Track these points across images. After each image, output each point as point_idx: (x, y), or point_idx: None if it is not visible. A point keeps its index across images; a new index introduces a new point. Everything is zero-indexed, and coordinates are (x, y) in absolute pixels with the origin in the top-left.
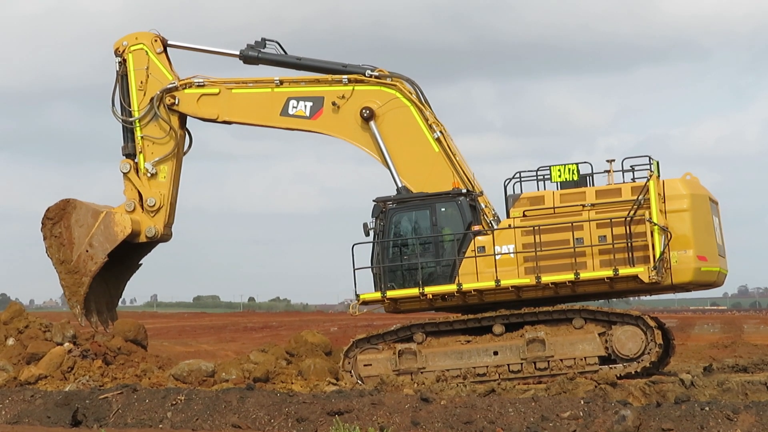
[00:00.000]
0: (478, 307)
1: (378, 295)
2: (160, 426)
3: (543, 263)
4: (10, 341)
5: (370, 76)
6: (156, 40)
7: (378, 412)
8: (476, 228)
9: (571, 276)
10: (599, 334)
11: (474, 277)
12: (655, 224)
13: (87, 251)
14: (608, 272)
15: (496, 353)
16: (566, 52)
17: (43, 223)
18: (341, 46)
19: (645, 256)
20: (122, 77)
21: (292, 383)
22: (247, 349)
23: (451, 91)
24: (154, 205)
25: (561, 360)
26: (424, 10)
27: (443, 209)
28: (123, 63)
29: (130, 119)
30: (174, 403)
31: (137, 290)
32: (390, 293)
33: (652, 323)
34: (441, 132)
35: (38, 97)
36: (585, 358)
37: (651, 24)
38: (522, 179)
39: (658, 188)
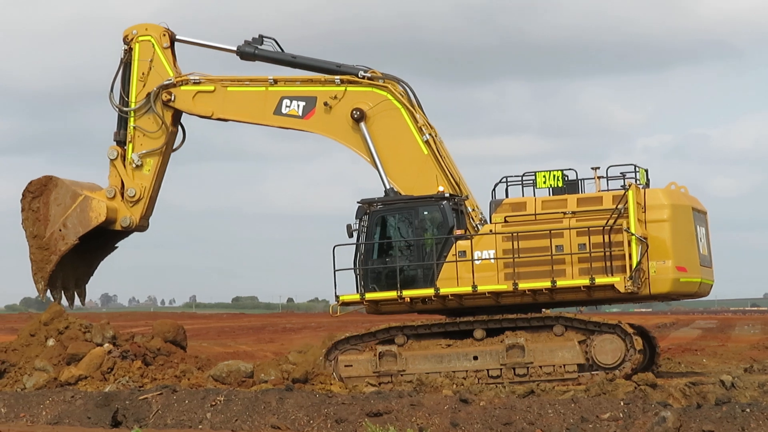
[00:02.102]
0: (461, 310)
1: (357, 296)
2: (200, 427)
3: (523, 269)
4: (51, 342)
5: (363, 77)
6: (164, 35)
7: (417, 413)
8: (459, 232)
9: (547, 283)
10: (579, 342)
11: (455, 281)
12: (633, 234)
13: (60, 230)
14: (585, 281)
15: (475, 358)
16: (598, 52)
17: (23, 195)
18: (372, 48)
19: (623, 265)
20: (125, 65)
21: (331, 384)
22: (285, 350)
23: (485, 92)
24: (134, 195)
25: (540, 367)
26: (455, 12)
27: (426, 212)
28: (129, 51)
29: (126, 109)
30: (213, 403)
31: (176, 291)
32: (369, 295)
33: (630, 330)
34: (431, 135)
35: (75, 99)
36: (564, 365)
37: (683, 24)
38: (509, 183)
39: (639, 198)
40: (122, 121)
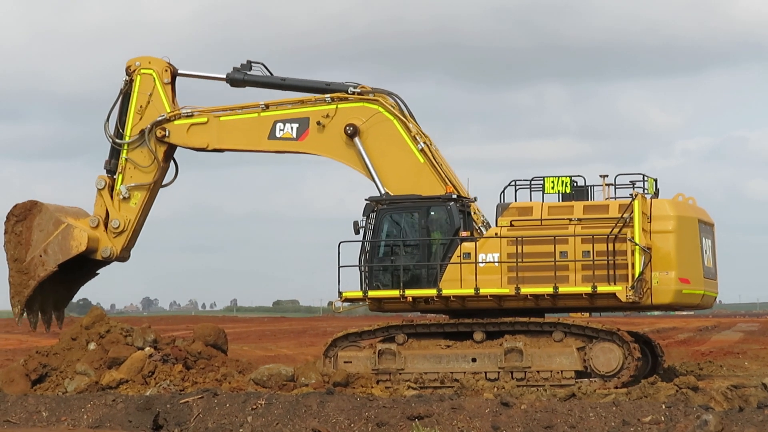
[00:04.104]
0: (463, 312)
1: (360, 293)
2: (241, 430)
3: (526, 274)
4: (92, 346)
5: (353, 93)
6: (166, 70)
7: (458, 417)
8: (464, 234)
9: (549, 289)
10: (578, 349)
11: (458, 282)
12: (636, 244)
13: (41, 256)
14: (587, 288)
15: (474, 360)
16: (635, 54)
17: (7, 218)
18: (407, 51)
19: (626, 274)
20: (124, 95)
21: (372, 387)
22: None
23: (523, 95)
24: (118, 227)
25: (538, 372)
26: (489, 15)
27: (433, 213)
28: (129, 82)
29: (119, 141)
30: (254, 407)
31: (217, 295)
32: (372, 293)
33: (628, 338)
34: (425, 143)
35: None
36: (561, 371)
37: (719, 25)
38: (518, 187)
39: (645, 207)
40: (114, 151)
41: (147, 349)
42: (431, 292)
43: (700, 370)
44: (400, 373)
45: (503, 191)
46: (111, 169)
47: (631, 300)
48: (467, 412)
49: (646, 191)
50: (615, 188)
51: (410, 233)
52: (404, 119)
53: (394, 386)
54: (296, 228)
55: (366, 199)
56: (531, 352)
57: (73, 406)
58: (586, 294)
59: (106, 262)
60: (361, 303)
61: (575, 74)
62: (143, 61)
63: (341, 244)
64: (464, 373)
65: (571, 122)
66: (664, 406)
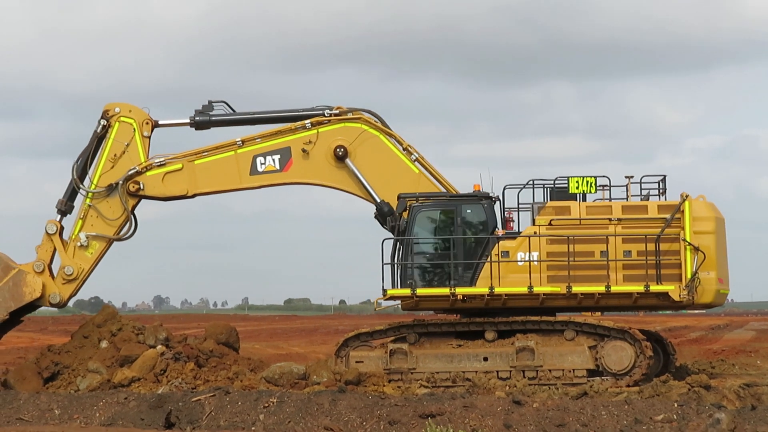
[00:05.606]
0: (476, 311)
1: (407, 291)
2: (253, 428)
3: (575, 273)
4: (104, 344)
5: (330, 115)
6: (147, 123)
7: (470, 415)
8: (500, 232)
9: (601, 288)
10: (589, 347)
11: (491, 281)
12: (690, 244)
13: None
14: (639, 287)
15: (486, 359)
16: (641, 52)
17: None
18: (413, 49)
19: (672, 274)
20: (98, 139)
21: (384, 386)
22: None
23: (530, 94)
24: (71, 274)
25: (549, 370)
26: (495, 13)
27: (469, 210)
28: (106, 127)
29: (84, 188)
30: (266, 405)
31: (228, 293)
32: (420, 291)
33: (640, 336)
34: (418, 154)
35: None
36: (573, 370)
37: (727, 24)
38: (535, 186)
39: (683, 208)
40: (73, 193)
41: (159, 347)
42: (482, 290)
43: (712, 368)
44: (411, 373)
45: (519, 192)
46: (65, 210)
47: (683, 300)
48: (479, 411)
49: (687, 194)
50: (626, 188)
51: (445, 231)
52: (390, 132)
53: (406, 385)
54: (307, 226)
55: (399, 196)
56: (543, 350)
57: (85, 404)
58: (638, 293)
59: (33, 308)
60: (403, 301)
61: (583, 72)
62: (123, 109)
63: (384, 242)
64: (476, 372)
65: (579, 120)
66: (676, 405)
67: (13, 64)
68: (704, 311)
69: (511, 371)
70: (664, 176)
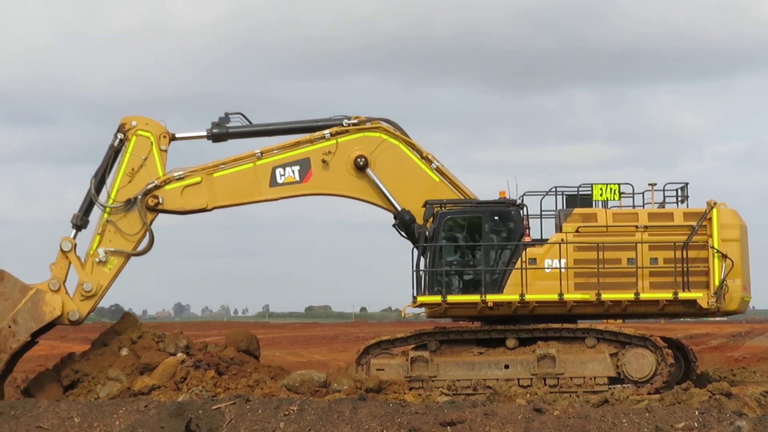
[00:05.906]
0: (500, 318)
1: (437, 298)
2: None
3: (594, 280)
4: (124, 351)
5: (348, 125)
6: (164, 136)
7: (491, 423)
8: (527, 239)
9: (630, 295)
10: (611, 355)
11: (518, 288)
12: (718, 251)
13: (9, 327)
14: (667, 294)
15: (507, 367)
16: (662, 57)
17: None
18: (434, 55)
19: (701, 281)
20: (115, 153)
21: (405, 393)
22: None
23: (550, 99)
24: (90, 291)
25: (570, 378)
26: (515, 19)
27: (497, 217)
28: (123, 141)
29: (103, 203)
30: (287, 413)
31: (249, 301)
32: (450, 297)
33: (661, 344)
34: (438, 162)
35: (139, 107)
36: (594, 377)
37: (748, 29)
38: (558, 194)
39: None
40: (89, 207)
41: (179, 354)
42: (513, 297)
43: (733, 376)
44: (432, 380)
45: (542, 199)
46: (80, 225)
47: (712, 307)
48: (500, 418)
49: (716, 202)
50: (643, 195)
51: (473, 237)
52: (411, 141)
53: (427, 393)
54: (328, 233)
55: (426, 203)
56: (564, 358)
57: (105, 411)
58: (667, 300)
59: (48, 328)
60: (432, 308)
61: (603, 78)
62: (140, 122)
63: (413, 249)
64: (497, 379)
65: (601, 126)
66: (697, 413)
67: (34, 70)
68: (725, 318)
69: (532, 379)
70: (686, 183)
